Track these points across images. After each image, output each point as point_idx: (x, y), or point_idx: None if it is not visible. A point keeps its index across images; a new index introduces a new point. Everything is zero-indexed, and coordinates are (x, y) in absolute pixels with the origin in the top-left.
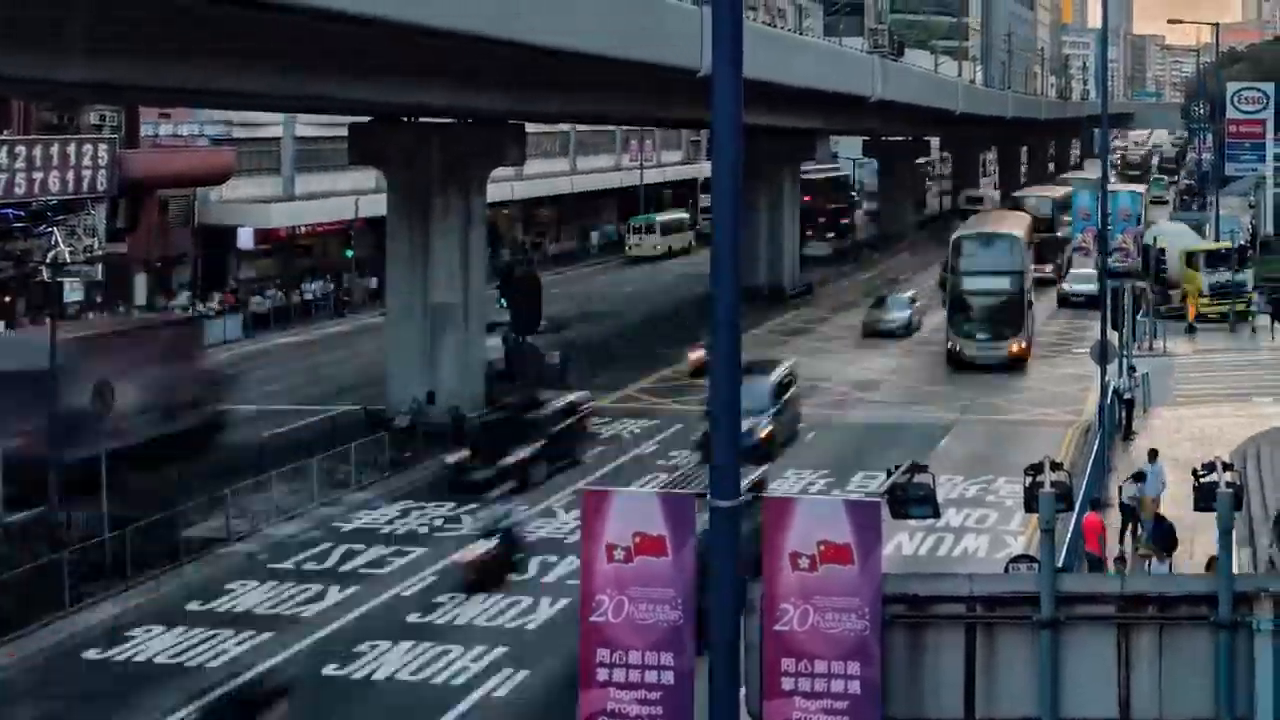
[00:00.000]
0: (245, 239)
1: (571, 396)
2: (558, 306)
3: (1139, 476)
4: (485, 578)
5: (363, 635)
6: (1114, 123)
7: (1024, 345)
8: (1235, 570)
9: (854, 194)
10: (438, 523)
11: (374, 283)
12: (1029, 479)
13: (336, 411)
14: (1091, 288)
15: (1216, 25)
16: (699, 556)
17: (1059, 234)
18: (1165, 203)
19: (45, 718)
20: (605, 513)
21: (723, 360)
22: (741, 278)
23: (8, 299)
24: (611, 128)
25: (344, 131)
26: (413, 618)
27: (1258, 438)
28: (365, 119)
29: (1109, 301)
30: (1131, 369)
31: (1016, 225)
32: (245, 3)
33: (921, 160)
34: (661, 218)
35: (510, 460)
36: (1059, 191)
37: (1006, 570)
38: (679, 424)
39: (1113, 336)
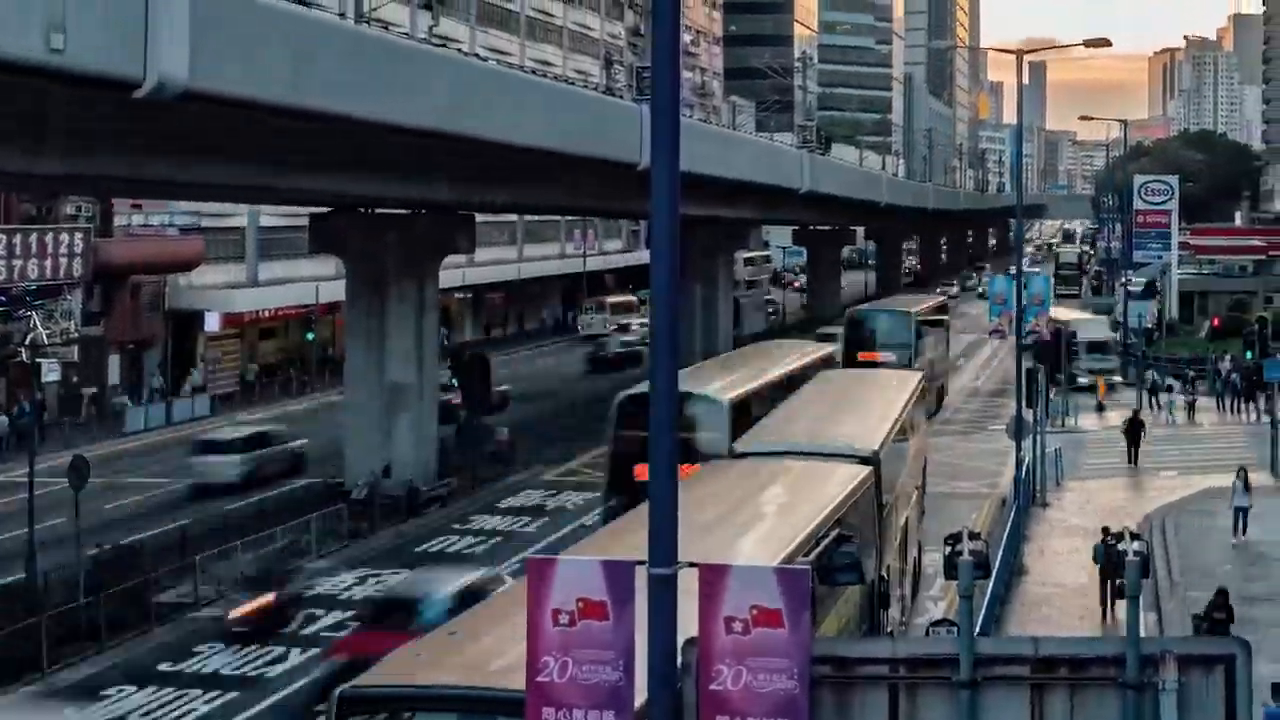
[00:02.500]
0: (212, 323)
1: None
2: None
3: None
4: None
5: (323, 694)
6: (1028, 213)
7: None
8: (1142, 633)
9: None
10: None
11: None
12: (948, 548)
13: (299, 484)
14: None
15: (1125, 122)
16: None
17: None
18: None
19: None
20: (550, 579)
21: (661, 432)
22: (679, 356)
23: None
24: (557, 218)
25: (305, 221)
26: None
27: (1163, 509)
28: (325, 210)
29: (1023, 380)
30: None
31: None
32: (211, 100)
33: (849, 249)
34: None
35: None
36: None
37: (927, 633)
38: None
39: (1027, 414)
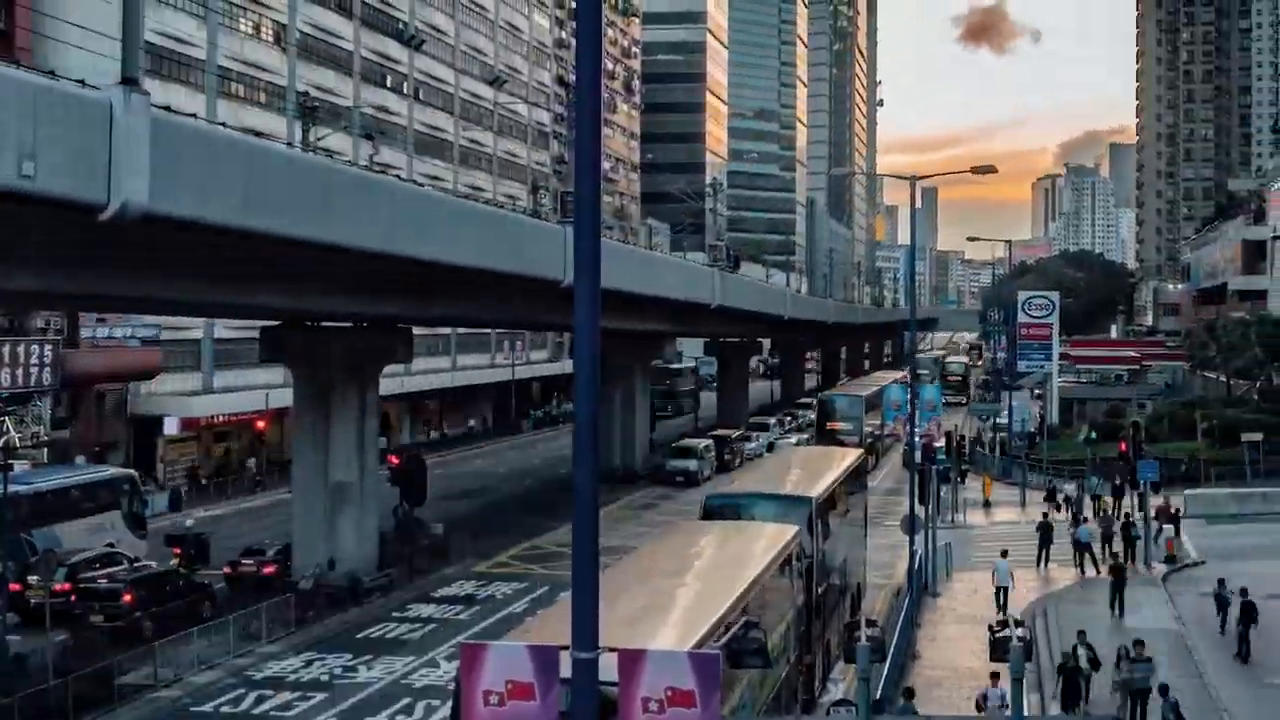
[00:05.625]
0: (171, 427)
1: None
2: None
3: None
4: None
5: None
6: (921, 326)
7: None
8: (1025, 713)
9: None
10: (337, 672)
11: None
12: (848, 633)
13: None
14: None
15: (1009, 242)
16: None
17: None
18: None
19: None
20: (482, 663)
21: (583, 529)
22: (600, 460)
23: None
24: (487, 330)
25: (256, 333)
26: None
27: (1044, 598)
28: (274, 323)
29: (916, 480)
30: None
31: None
32: (169, 223)
33: (756, 359)
34: None
35: None
36: None
37: (828, 713)
38: (546, 586)
39: (920, 510)
